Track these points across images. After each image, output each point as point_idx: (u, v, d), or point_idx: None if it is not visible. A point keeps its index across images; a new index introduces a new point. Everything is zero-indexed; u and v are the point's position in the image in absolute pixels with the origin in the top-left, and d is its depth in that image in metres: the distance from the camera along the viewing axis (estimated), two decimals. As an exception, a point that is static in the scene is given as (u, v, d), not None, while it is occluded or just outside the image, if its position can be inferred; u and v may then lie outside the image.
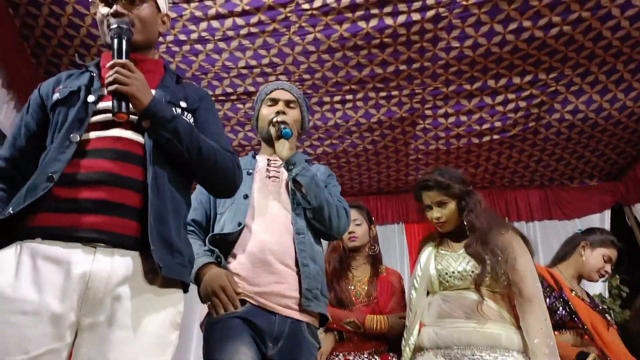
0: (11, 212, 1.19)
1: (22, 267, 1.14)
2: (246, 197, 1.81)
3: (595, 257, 2.60)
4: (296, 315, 1.66)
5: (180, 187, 1.39)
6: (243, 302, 1.63)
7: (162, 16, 1.55)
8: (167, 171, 1.33)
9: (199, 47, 3.53)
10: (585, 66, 3.73)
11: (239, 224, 1.74)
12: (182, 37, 3.44)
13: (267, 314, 1.62)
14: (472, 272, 2.07)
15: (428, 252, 2.25)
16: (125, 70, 1.29)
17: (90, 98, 1.35)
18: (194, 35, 3.43)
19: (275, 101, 2.01)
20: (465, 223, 2.17)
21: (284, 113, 1.95)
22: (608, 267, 2.61)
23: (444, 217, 2.22)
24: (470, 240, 2.13)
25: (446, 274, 2.12)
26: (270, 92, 2.04)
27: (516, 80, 3.86)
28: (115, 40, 1.34)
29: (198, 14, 3.28)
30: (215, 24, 3.36)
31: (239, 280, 1.66)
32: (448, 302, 2.08)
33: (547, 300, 2.35)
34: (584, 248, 2.63)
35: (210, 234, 1.81)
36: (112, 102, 1.27)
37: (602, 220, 5.03)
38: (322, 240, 1.89)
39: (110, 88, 1.27)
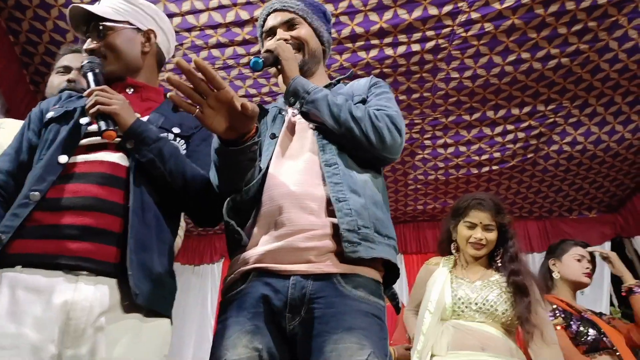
0: (3, 237, 1.14)
1: (0, 299, 1.09)
2: (274, 136, 1.46)
3: (568, 264, 2.57)
4: (321, 268, 1.21)
5: (167, 214, 1.33)
6: (247, 276, 1.26)
7: (144, 34, 1.50)
8: (152, 196, 1.29)
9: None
10: (583, 98, 3.75)
11: (259, 170, 1.37)
12: (183, 65, 3.44)
13: (278, 279, 1.22)
14: (492, 305, 2.04)
15: (444, 277, 2.18)
16: (105, 93, 1.28)
17: (84, 120, 1.32)
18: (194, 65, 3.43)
19: (272, 32, 1.57)
20: (510, 253, 2.17)
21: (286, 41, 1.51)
22: (586, 263, 2.56)
23: (485, 241, 2.19)
24: (514, 268, 2.13)
25: (463, 303, 2.06)
26: (264, 22, 1.62)
27: (515, 111, 3.88)
28: (89, 75, 1.34)
29: (199, 42, 3.29)
30: (215, 52, 3.37)
31: (249, 253, 1.28)
32: (462, 332, 2.02)
33: (572, 324, 2.30)
34: (554, 266, 2.60)
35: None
36: (98, 123, 1.24)
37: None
38: (379, 169, 1.47)
39: (92, 110, 1.24)
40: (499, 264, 2.22)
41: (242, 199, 1.33)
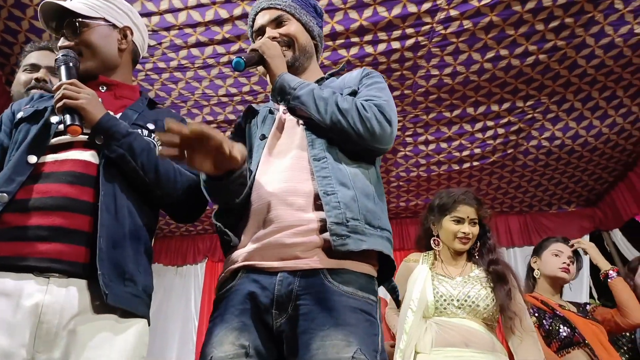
0: None
1: None
2: (263, 137, 1.45)
3: (546, 260, 2.61)
4: (308, 264, 1.19)
5: (141, 210, 1.30)
6: (236, 274, 1.26)
7: (120, 30, 1.48)
8: (125, 192, 1.26)
9: (178, 75, 3.50)
10: (561, 94, 3.80)
11: (250, 172, 1.37)
12: (162, 64, 3.41)
13: (266, 276, 1.21)
14: (473, 302, 2.07)
15: (425, 274, 2.19)
16: (73, 87, 1.25)
17: (54, 119, 1.30)
18: (174, 63, 3.41)
19: (262, 31, 1.56)
20: (488, 245, 2.25)
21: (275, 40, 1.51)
22: (564, 258, 2.60)
23: (471, 235, 2.24)
24: (492, 258, 2.21)
25: (445, 300, 2.09)
26: (253, 21, 1.61)
27: (494, 107, 3.91)
28: (62, 68, 1.31)
29: (178, 41, 3.26)
30: (195, 51, 3.34)
31: (239, 252, 1.29)
32: (446, 329, 2.04)
33: (544, 323, 2.33)
34: (535, 263, 2.65)
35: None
36: (64, 117, 1.21)
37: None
38: (372, 160, 1.45)
39: (59, 104, 1.22)
40: (477, 257, 2.27)
41: (232, 203, 1.33)
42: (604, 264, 2.57)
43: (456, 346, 1.98)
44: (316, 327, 1.12)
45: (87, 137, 1.25)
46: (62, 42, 1.39)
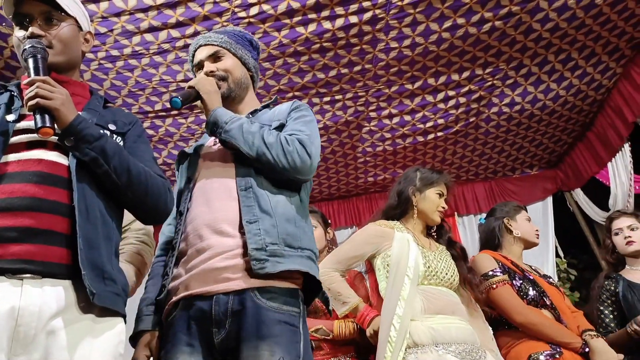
0: None
1: None
2: (189, 180, 1.62)
3: (522, 224, 2.68)
4: (240, 285, 1.36)
5: (111, 211, 1.31)
6: (178, 302, 1.43)
7: (84, 34, 1.49)
8: (95, 194, 1.26)
9: (133, 62, 3.40)
10: (518, 59, 3.85)
11: (180, 214, 1.56)
12: (115, 52, 3.30)
13: (204, 301, 1.37)
14: (452, 275, 2.22)
15: (415, 246, 2.22)
16: (47, 85, 1.20)
17: (10, 117, 1.25)
18: (127, 50, 3.30)
19: (200, 65, 1.73)
20: (446, 225, 2.47)
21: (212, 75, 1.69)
22: (534, 225, 2.72)
23: (444, 211, 2.40)
24: (451, 237, 2.45)
25: (432, 271, 2.16)
26: (193, 56, 1.78)
27: (455, 77, 3.94)
28: (31, 60, 1.26)
29: (130, 27, 3.15)
30: (149, 37, 3.24)
31: (178, 282, 1.45)
32: (433, 297, 2.11)
33: (514, 282, 2.39)
34: (511, 225, 2.67)
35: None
36: (35, 117, 1.17)
37: (545, 207, 5.22)
38: (297, 188, 1.60)
39: (31, 103, 1.17)
40: (434, 234, 2.43)
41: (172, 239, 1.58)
42: None
43: (445, 314, 2.08)
44: (247, 340, 1.30)
45: (54, 137, 1.23)
46: (34, 28, 1.33)
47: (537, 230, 2.70)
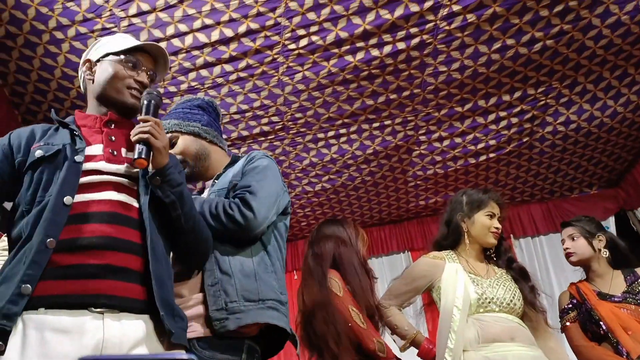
0: (30, 287, 1.11)
1: (29, 342, 1.08)
2: None
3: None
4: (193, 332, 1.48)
5: (168, 251, 1.41)
6: None
7: None
8: (161, 235, 1.34)
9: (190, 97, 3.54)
10: (572, 77, 3.77)
11: None
12: (172, 88, 3.46)
13: None
14: (511, 300, 2.13)
15: (462, 272, 2.19)
16: (159, 127, 1.35)
17: (79, 158, 1.32)
18: (184, 86, 3.45)
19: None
20: (504, 245, 2.37)
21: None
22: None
23: (498, 231, 2.31)
24: (511, 256, 2.35)
25: (486, 299, 2.10)
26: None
27: (506, 97, 3.89)
28: (146, 102, 1.41)
29: (186, 64, 3.30)
30: (204, 72, 3.38)
31: None
32: (489, 324, 2.05)
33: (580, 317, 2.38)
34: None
35: None
36: (138, 147, 1.30)
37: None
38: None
39: (143, 137, 1.30)
40: (494, 257, 2.34)
41: None
42: None
43: (502, 341, 2.00)
44: None
45: (137, 169, 1.35)
46: (145, 80, 1.49)
47: None
